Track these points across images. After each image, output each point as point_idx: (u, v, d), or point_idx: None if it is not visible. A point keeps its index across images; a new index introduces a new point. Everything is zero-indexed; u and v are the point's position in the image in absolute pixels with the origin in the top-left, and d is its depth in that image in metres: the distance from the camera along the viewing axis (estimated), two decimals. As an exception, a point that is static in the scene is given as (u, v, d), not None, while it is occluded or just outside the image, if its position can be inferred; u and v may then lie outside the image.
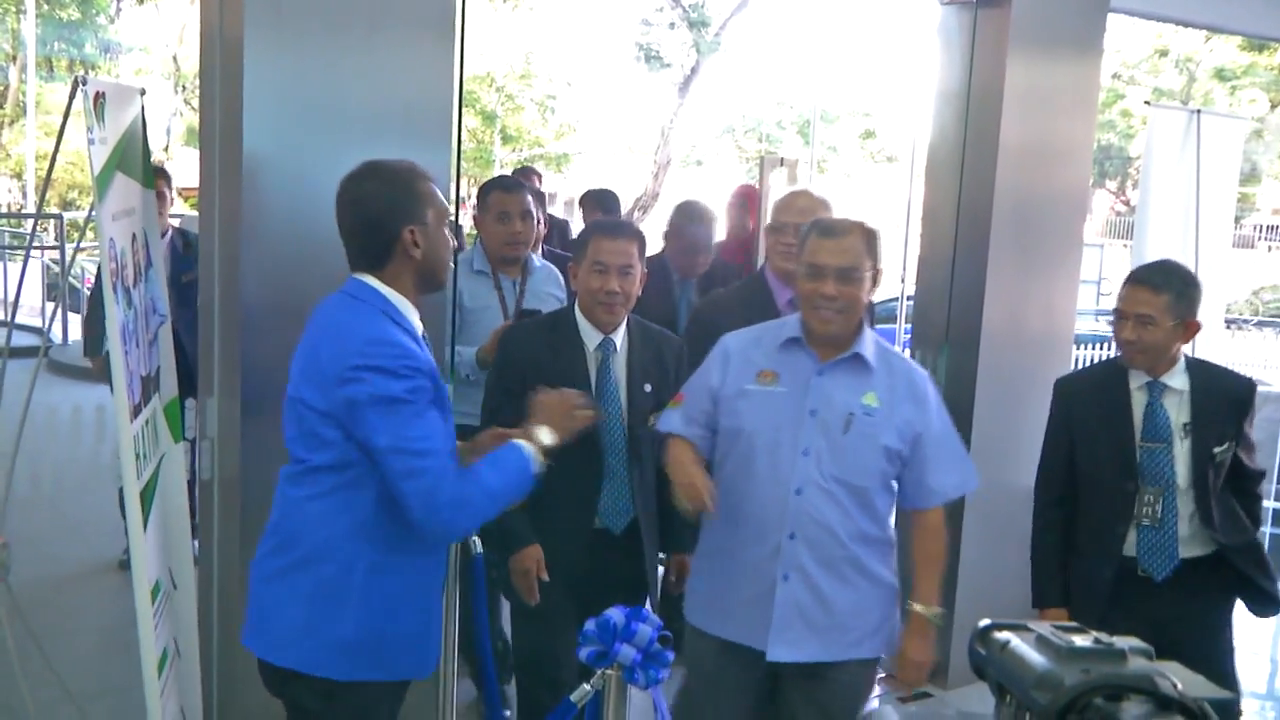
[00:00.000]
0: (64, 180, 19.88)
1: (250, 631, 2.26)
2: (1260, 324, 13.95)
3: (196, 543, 3.16)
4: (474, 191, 4.63)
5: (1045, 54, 4.23)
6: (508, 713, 3.57)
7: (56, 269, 11.61)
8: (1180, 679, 1.18)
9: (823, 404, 2.55)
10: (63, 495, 6.38)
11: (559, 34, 25.63)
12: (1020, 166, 4.20)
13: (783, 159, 5.43)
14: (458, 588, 2.99)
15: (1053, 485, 3.11)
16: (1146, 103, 6.76)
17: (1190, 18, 5.83)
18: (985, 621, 1.36)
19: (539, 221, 4.12)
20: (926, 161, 4.53)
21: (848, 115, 28.60)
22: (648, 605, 2.59)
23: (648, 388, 2.95)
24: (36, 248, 11.23)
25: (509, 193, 3.86)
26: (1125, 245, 18.02)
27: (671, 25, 20.74)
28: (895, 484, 2.64)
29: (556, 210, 15.25)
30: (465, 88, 3.18)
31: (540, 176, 7.78)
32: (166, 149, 22.77)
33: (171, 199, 5.10)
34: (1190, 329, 2.91)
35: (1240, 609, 3.05)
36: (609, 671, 2.23)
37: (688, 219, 4.48)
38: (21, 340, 8.70)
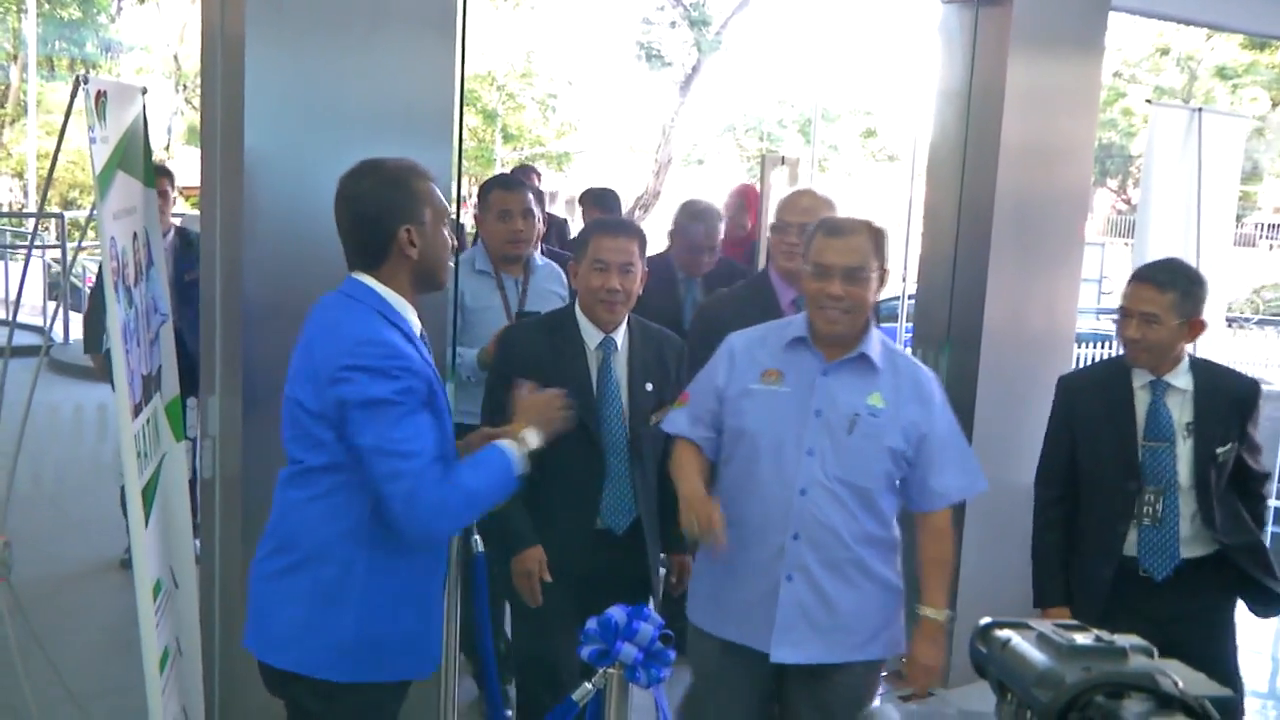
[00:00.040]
0: (65, 179, 19.90)
1: (250, 633, 2.26)
2: (1261, 322, 13.95)
3: (198, 542, 3.17)
4: (475, 190, 4.63)
5: (1046, 52, 4.23)
6: (509, 713, 3.57)
7: (58, 268, 11.62)
8: (1182, 677, 1.17)
9: (828, 404, 2.54)
10: (64, 494, 6.39)
11: (560, 33, 25.68)
12: (1022, 165, 4.20)
13: (784, 158, 5.43)
14: (459, 587, 2.99)
15: (1053, 483, 3.10)
16: (1148, 101, 6.76)
17: (1191, 16, 5.83)
18: (986, 620, 1.36)
19: (538, 220, 4.12)
20: (928, 160, 4.53)
21: (849, 114, 28.62)
22: (650, 605, 2.58)
23: (649, 387, 2.95)
24: (38, 247, 11.24)
25: (510, 191, 3.86)
26: (1126, 244, 18.00)
27: (673, 24, 20.74)
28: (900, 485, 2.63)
29: (558, 209, 15.26)
30: (466, 86, 3.18)
31: (539, 175, 7.78)
32: (168, 148, 22.78)
33: (174, 198, 5.10)
34: (1195, 328, 2.90)
35: (1241, 608, 3.04)
36: (611, 670, 2.23)
37: (693, 217, 4.48)
38: (23, 339, 8.70)
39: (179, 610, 2.94)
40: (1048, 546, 3.08)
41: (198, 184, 3.05)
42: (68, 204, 19.66)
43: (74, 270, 11.35)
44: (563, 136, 26.37)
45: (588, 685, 2.26)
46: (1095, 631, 1.26)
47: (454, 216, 2.97)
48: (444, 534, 2.20)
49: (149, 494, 2.68)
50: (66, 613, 4.56)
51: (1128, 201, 27.65)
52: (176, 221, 5.13)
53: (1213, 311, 2.99)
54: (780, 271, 3.37)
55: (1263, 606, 3.02)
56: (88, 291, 7.36)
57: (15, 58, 21.80)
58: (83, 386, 8.42)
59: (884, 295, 2.73)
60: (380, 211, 2.18)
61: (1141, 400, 2.96)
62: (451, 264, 2.44)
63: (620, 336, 2.95)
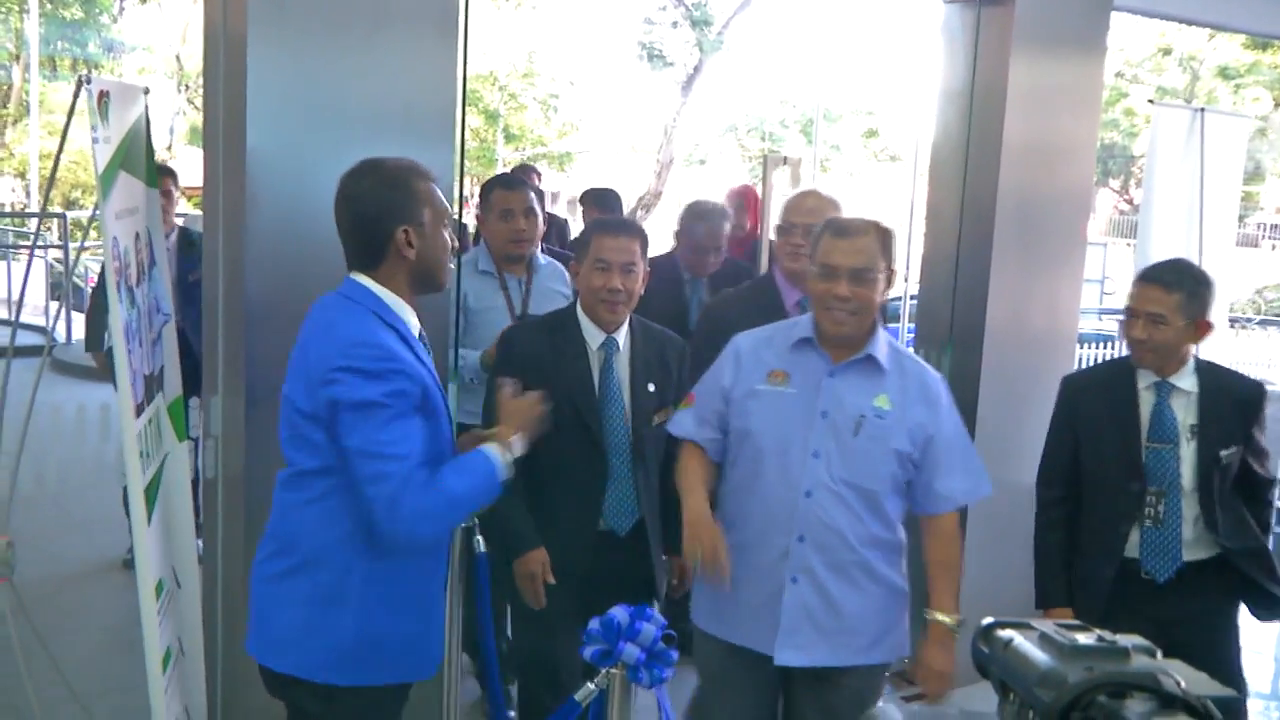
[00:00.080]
0: (67, 179, 19.91)
1: (251, 636, 2.26)
2: (1264, 323, 13.94)
3: (201, 542, 3.17)
4: (477, 190, 4.62)
5: (1049, 52, 4.23)
6: (512, 713, 3.56)
7: (60, 268, 11.64)
8: (1184, 677, 1.17)
9: (834, 406, 2.53)
10: (67, 494, 6.39)
11: (562, 33, 25.71)
12: (1024, 165, 4.19)
13: (786, 158, 5.41)
14: (461, 587, 2.99)
15: (1055, 483, 3.09)
16: (1150, 101, 6.76)
17: (1194, 16, 5.82)
18: (988, 620, 1.36)
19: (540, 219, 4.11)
20: (930, 160, 4.53)
21: (851, 114, 28.62)
22: (655, 607, 2.57)
23: (651, 387, 2.94)
24: (40, 247, 11.26)
25: (511, 190, 3.85)
26: (1129, 244, 18.00)
27: (674, 24, 20.73)
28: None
29: (560, 209, 15.26)
30: (468, 86, 3.18)
31: (539, 175, 7.78)
32: (170, 148, 22.79)
33: (178, 198, 5.11)
34: (1201, 329, 2.88)
35: (1243, 611, 3.03)
36: (613, 671, 2.23)
37: (699, 217, 4.47)
38: (25, 339, 8.70)
39: (181, 610, 2.94)
40: (1050, 547, 3.07)
41: (200, 184, 3.05)
42: (70, 204, 19.67)
43: (76, 270, 11.37)
44: (564, 136, 26.37)
45: (590, 685, 2.25)
46: (1098, 631, 1.26)
47: (456, 217, 2.97)
48: (426, 539, 2.16)
49: (151, 494, 2.68)
50: (69, 612, 4.56)
51: (1130, 202, 27.65)
52: (180, 222, 5.13)
53: (1215, 312, 2.98)
54: (785, 273, 3.36)
55: (1265, 611, 3.01)
56: (90, 291, 7.38)
57: (17, 58, 21.82)
58: (85, 386, 8.43)
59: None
60: (379, 211, 2.17)
61: (1146, 401, 2.95)
62: (453, 265, 2.43)
63: (622, 337, 2.94)
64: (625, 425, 2.89)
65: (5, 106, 22.99)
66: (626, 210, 7.49)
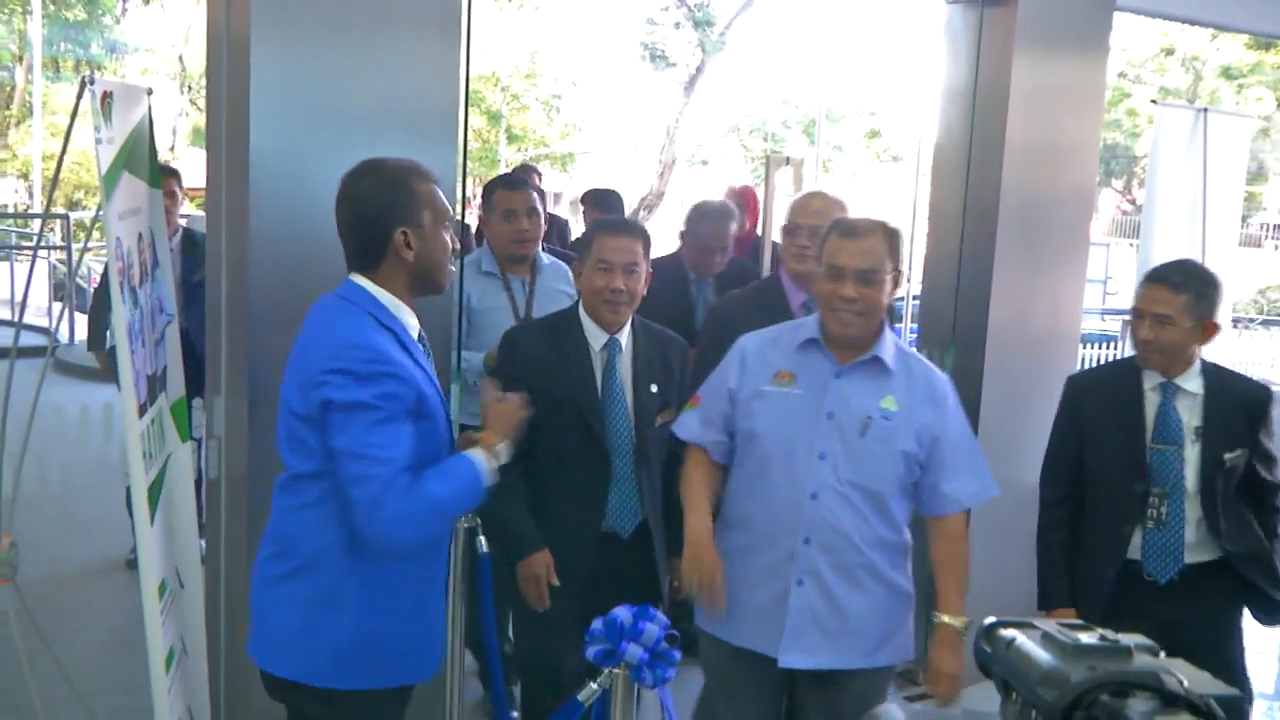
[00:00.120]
0: (70, 180, 19.95)
1: (252, 639, 2.25)
2: (1266, 323, 13.93)
3: (203, 542, 3.17)
4: (479, 191, 4.62)
5: (1051, 53, 4.23)
6: (515, 714, 3.56)
7: (63, 269, 11.66)
8: (1187, 676, 1.17)
9: (840, 407, 2.52)
10: (70, 494, 6.40)
11: (564, 33, 25.76)
12: (1026, 165, 4.19)
13: (788, 158, 5.41)
14: (464, 588, 2.99)
15: (1058, 482, 3.08)
16: (1153, 101, 6.75)
17: (1196, 16, 5.81)
18: (990, 619, 1.36)
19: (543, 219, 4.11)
20: (932, 160, 4.52)
21: (853, 114, 28.64)
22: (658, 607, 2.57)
23: (654, 388, 2.93)
24: (43, 247, 11.27)
25: (514, 190, 3.84)
26: (1131, 244, 18.00)
27: (677, 25, 20.71)
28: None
29: (562, 210, 15.25)
30: (471, 87, 3.18)
31: (540, 175, 7.77)
32: (173, 149, 22.83)
33: (182, 199, 5.12)
34: (1208, 330, 2.87)
35: (1246, 613, 3.03)
36: (616, 671, 2.23)
37: (705, 217, 4.46)
38: (28, 340, 8.71)
39: (184, 610, 2.94)
40: (1053, 546, 3.06)
41: (203, 185, 3.05)
42: (73, 205, 19.71)
43: (79, 271, 11.38)
44: (567, 137, 26.37)
45: (593, 686, 2.25)
46: (1100, 631, 1.26)
47: (459, 218, 2.97)
48: (407, 544, 2.12)
49: (154, 494, 2.69)
50: (71, 613, 4.57)
51: (1133, 202, 27.63)
52: (183, 222, 5.14)
53: (1219, 313, 2.97)
54: (791, 274, 3.35)
55: (1267, 615, 3.00)
56: (92, 292, 7.39)
57: (20, 59, 21.86)
58: (88, 387, 8.43)
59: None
60: (379, 212, 2.15)
61: (1151, 402, 2.93)
62: (455, 267, 2.42)
63: (624, 338, 2.93)
64: (628, 426, 2.89)
65: (9, 108, 23.02)
66: (628, 211, 7.49)
